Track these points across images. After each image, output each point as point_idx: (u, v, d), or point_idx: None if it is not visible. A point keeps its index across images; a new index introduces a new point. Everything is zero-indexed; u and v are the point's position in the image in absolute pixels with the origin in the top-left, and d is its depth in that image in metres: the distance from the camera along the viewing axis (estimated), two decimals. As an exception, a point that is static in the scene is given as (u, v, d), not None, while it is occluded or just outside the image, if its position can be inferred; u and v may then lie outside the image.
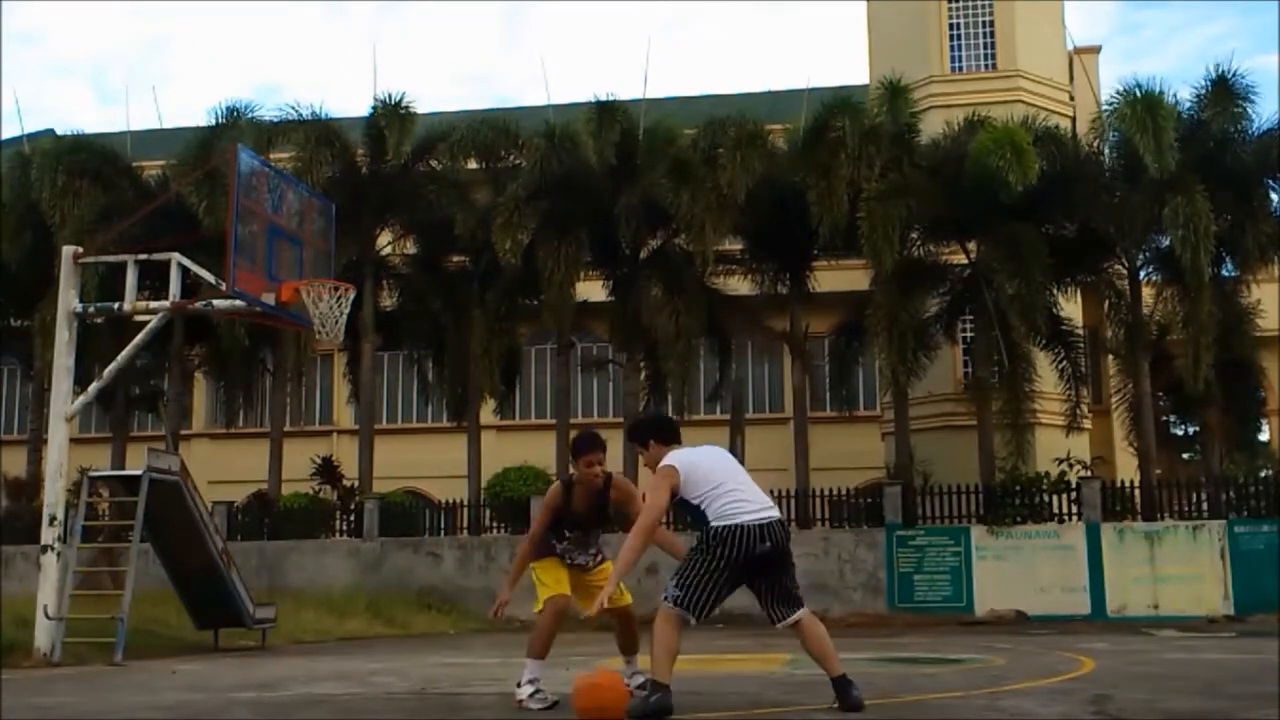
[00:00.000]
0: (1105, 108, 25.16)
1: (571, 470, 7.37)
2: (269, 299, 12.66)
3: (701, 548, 6.41)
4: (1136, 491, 22.93)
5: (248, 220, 12.62)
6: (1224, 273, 24.82)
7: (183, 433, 29.44)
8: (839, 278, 26.84)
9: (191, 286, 15.34)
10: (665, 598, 6.42)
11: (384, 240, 27.46)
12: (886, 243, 22.80)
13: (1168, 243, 23.42)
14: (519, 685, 7.12)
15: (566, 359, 26.60)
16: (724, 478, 6.54)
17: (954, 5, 29.37)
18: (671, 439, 6.86)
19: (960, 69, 29.13)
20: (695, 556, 6.41)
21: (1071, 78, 30.01)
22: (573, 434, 25.25)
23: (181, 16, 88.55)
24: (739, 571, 6.38)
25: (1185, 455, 34.23)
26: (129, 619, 12.84)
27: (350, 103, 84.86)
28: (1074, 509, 22.34)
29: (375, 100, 25.56)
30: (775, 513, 6.52)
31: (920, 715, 6.77)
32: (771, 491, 23.82)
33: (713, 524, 6.39)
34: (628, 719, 6.24)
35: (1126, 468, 26.47)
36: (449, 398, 27.17)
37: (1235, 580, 20.99)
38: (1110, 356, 26.87)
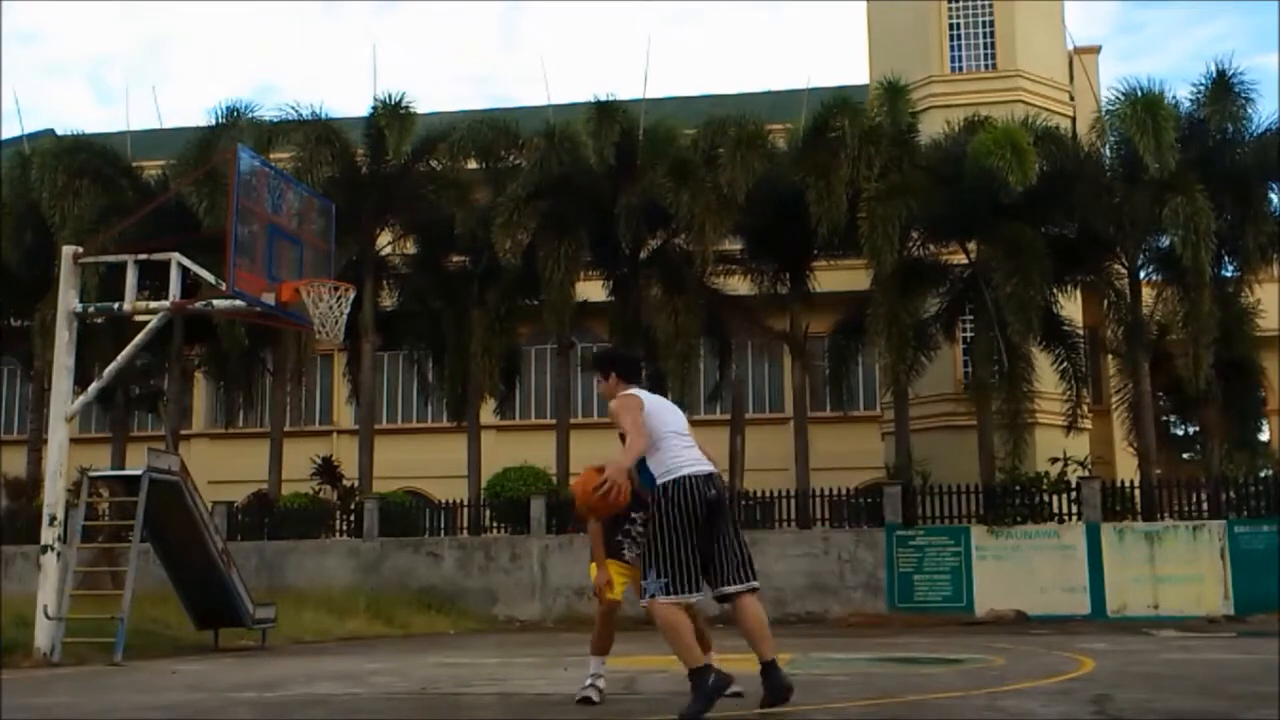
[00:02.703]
0: (1105, 108, 25.17)
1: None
2: (269, 299, 12.66)
3: (658, 517, 6.15)
4: (1136, 491, 22.92)
5: (248, 220, 12.62)
6: (1224, 273, 24.83)
7: (183, 433, 29.44)
8: (839, 278, 26.85)
9: (191, 286, 15.34)
10: (649, 594, 6.13)
11: (384, 240, 27.45)
12: (886, 243, 22.81)
13: (1168, 243, 23.42)
14: None
15: (566, 359, 26.59)
16: (676, 426, 6.39)
17: (954, 5, 29.37)
18: (633, 378, 6.75)
19: (960, 69, 29.14)
20: (657, 532, 6.14)
21: (1071, 78, 30.01)
22: (572, 434, 25.56)
23: (181, 16, 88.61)
24: (699, 525, 6.12)
25: (1185, 455, 34.19)
26: (129, 619, 12.84)
27: (350, 103, 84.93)
28: (1074, 509, 22.33)
29: (375, 100, 25.57)
30: (713, 468, 6.31)
31: (920, 715, 6.77)
32: (771, 491, 24.05)
33: (660, 481, 6.20)
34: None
35: (1126, 468, 26.46)
36: (449, 398, 27.16)
37: (1235, 580, 20.98)
38: (1110, 356, 26.86)
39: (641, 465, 6.34)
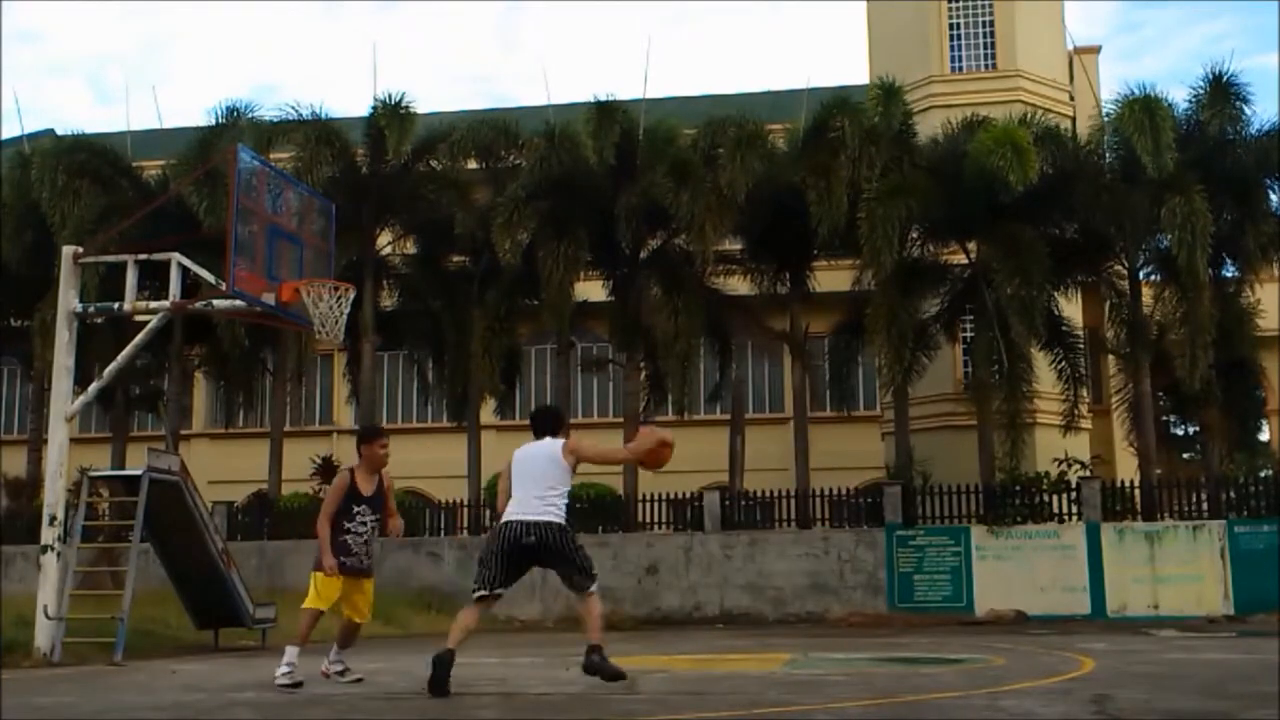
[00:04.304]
0: (1105, 111, 25.20)
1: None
2: (269, 299, 12.63)
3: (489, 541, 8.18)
4: (1136, 491, 22.91)
5: (248, 220, 12.60)
6: (1224, 273, 24.84)
7: (183, 433, 29.43)
8: (839, 278, 26.84)
9: (191, 286, 15.33)
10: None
11: (384, 240, 27.45)
12: (886, 243, 22.79)
13: (1167, 243, 23.41)
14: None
15: (566, 359, 26.59)
16: (520, 479, 7.99)
17: (954, 5, 29.36)
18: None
19: (960, 69, 29.13)
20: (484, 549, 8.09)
21: (1071, 78, 30.01)
22: (572, 434, 25.55)
23: (181, 16, 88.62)
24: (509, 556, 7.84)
25: (1185, 455, 34.21)
26: (129, 619, 12.83)
27: (350, 103, 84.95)
28: (1074, 509, 22.32)
29: (375, 100, 25.56)
30: (538, 516, 7.77)
31: (920, 715, 6.76)
32: (771, 491, 24.05)
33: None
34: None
35: (1126, 468, 26.46)
36: (449, 398, 27.16)
37: (1235, 580, 20.97)
38: (1110, 356, 26.86)
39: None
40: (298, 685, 8.50)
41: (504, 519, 7.89)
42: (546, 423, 8.16)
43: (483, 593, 7.84)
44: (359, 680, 8.97)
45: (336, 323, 12.79)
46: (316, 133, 24.98)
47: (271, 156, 21.37)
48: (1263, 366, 26.19)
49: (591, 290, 26.60)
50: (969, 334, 26.78)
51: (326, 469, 27.51)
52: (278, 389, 27.41)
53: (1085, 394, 26.13)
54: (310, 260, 13.40)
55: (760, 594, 22.50)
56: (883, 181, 23.48)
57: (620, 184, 24.27)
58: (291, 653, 8.74)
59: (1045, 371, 25.15)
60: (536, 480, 7.86)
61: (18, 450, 28.88)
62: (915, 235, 24.90)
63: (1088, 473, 23.20)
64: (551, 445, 7.97)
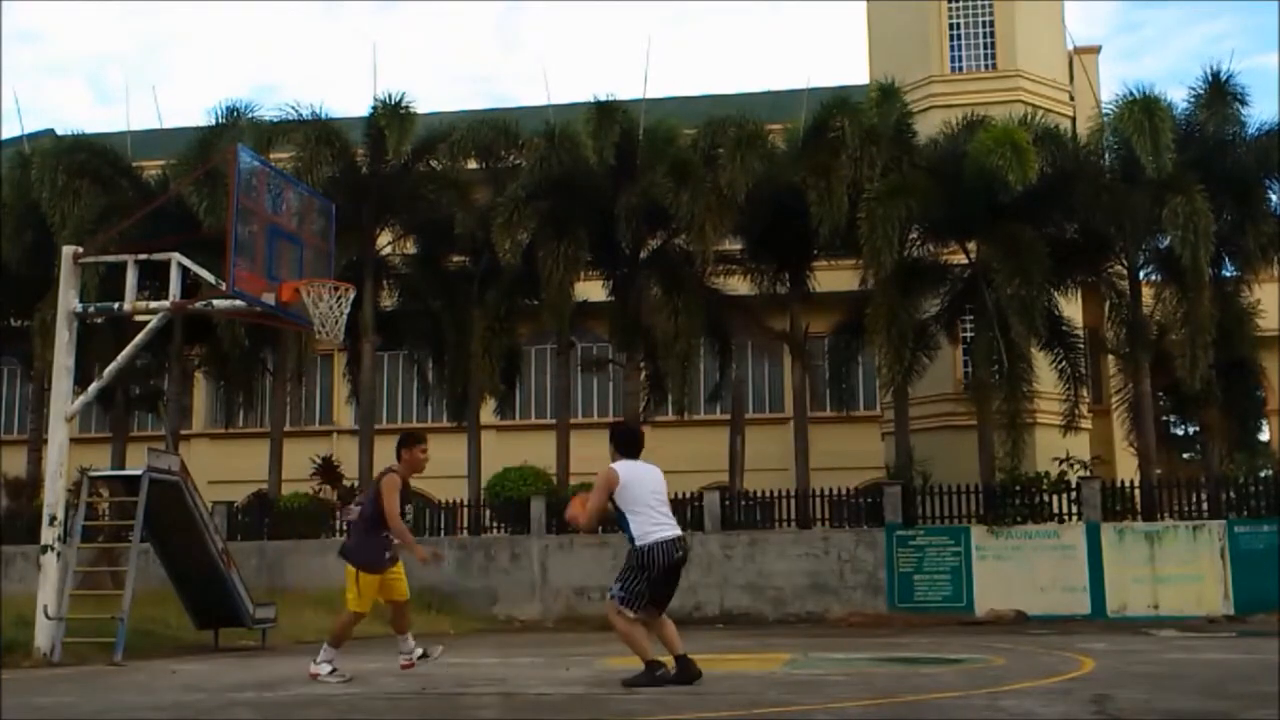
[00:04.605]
0: (1104, 111, 25.21)
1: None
2: (269, 299, 12.63)
3: (635, 563, 8.25)
4: (1136, 491, 22.90)
5: (248, 220, 12.60)
6: (1224, 273, 24.84)
7: (183, 433, 29.43)
8: (839, 278, 26.84)
9: (191, 286, 15.33)
10: (613, 595, 8.24)
11: (384, 240, 27.44)
12: (886, 243, 22.78)
13: (1167, 243, 23.42)
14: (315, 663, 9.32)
15: (566, 359, 26.59)
16: (645, 496, 8.32)
17: (954, 5, 29.36)
18: (625, 452, 8.46)
19: (960, 69, 29.13)
20: (632, 569, 8.27)
21: (1071, 78, 30.01)
22: (572, 434, 25.57)
23: (181, 16, 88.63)
24: (658, 577, 8.28)
25: (1185, 455, 34.21)
26: (129, 619, 12.83)
27: (350, 103, 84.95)
28: (1074, 509, 22.31)
29: (375, 100, 25.53)
30: (679, 531, 8.37)
31: (920, 715, 6.77)
32: (771, 491, 24.12)
33: (638, 543, 8.22)
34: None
35: (1126, 468, 26.45)
36: (449, 398, 27.17)
37: (1235, 580, 20.96)
38: (1110, 356, 26.86)
39: (622, 515, 8.25)
40: (347, 679, 9.16)
41: (653, 540, 8.09)
42: (640, 444, 8.65)
43: (630, 613, 8.18)
44: (442, 652, 10.13)
45: (336, 323, 12.80)
46: (316, 133, 24.97)
47: (271, 156, 21.36)
48: (1263, 366, 26.18)
49: (591, 290, 26.60)
50: (969, 334, 26.78)
51: (326, 469, 27.53)
52: (278, 389, 27.41)
53: (1085, 394, 26.12)
54: (310, 260, 13.40)
55: (760, 594, 22.49)
56: (883, 181, 23.46)
57: (620, 184, 24.26)
58: (329, 651, 9.31)
59: (1045, 371, 25.14)
60: (659, 496, 8.33)
61: (18, 450, 28.87)
62: (915, 235, 24.89)
63: (1088, 473, 23.18)
64: (656, 469, 8.51)
